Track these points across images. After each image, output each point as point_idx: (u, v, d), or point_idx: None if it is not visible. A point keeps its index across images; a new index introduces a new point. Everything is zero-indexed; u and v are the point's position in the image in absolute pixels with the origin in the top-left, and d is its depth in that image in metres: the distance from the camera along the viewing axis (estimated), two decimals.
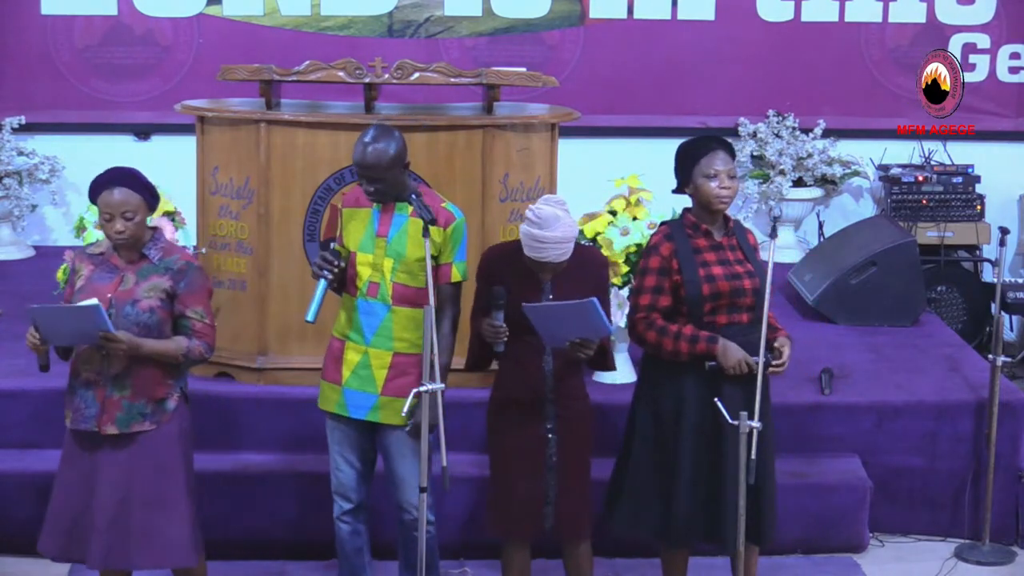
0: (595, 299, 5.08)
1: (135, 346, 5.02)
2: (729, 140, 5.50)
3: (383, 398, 5.35)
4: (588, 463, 5.49)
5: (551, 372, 5.33)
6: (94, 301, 4.95)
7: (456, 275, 5.40)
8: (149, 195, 5.13)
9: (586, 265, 5.38)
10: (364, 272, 5.33)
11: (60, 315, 5.02)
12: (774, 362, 5.30)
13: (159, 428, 5.14)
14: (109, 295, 5.09)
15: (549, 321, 5.14)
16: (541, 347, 5.29)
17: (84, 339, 5.03)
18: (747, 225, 5.86)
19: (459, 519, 6.06)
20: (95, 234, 6.93)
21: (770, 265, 5.20)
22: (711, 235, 5.37)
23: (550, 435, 5.36)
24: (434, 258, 5.30)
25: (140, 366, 5.09)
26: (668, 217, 6.80)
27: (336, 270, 5.28)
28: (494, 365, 5.49)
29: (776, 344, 5.33)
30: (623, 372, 6.60)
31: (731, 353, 5.25)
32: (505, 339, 5.20)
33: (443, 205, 5.40)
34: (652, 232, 5.70)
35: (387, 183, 5.26)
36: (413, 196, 5.26)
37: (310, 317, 5.30)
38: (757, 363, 5.22)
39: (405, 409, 5.12)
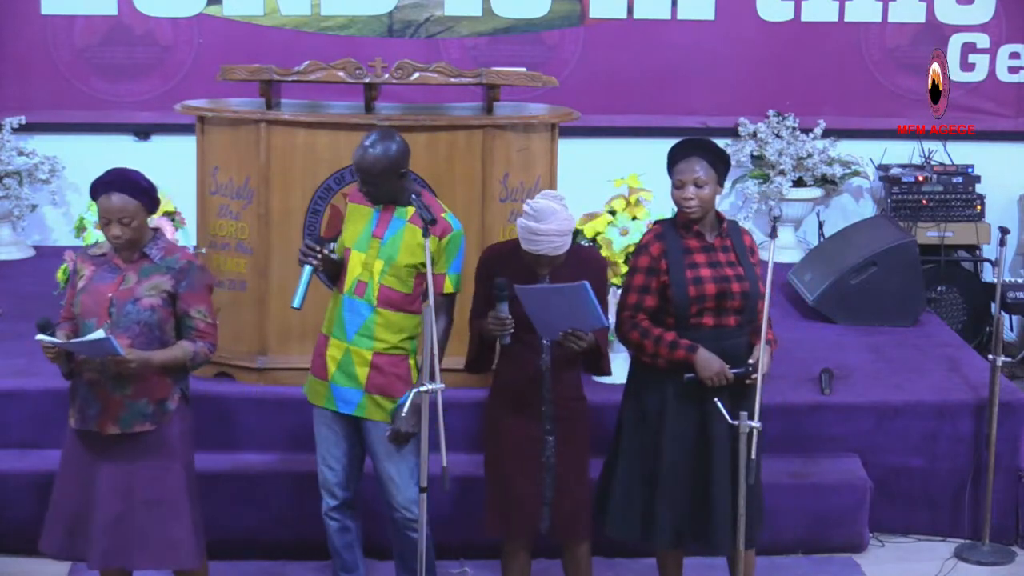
0: (587, 283, 5.06)
1: (144, 362, 5.02)
2: (723, 141, 5.47)
3: (367, 395, 5.38)
4: (586, 463, 5.49)
5: (548, 371, 5.32)
6: (100, 334, 4.90)
7: (449, 286, 5.40)
8: (148, 199, 5.11)
9: (585, 264, 5.37)
10: (354, 270, 5.34)
11: (71, 348, 5.00)
12: (752, 375, 5.26)
13: (160, 428, 5.14)
14: (110, 294, 5.09)
15: (542, 307, 5.12)
16: (539, 346, 5.29)
17: (96, 359, 5.04)
18: (747, 225, 5.81)
19: (459, 519, 6.05)
20: (95, 234, 6.93)
21: (770, 265, 5.19)
22: (703, 236, 5.36)
23: (548, 435, 5.36)
24: (416, 266, 5.33)
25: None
26: (668, 217, 6.83)
27: (320, 256, 5.27)
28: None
29: (753, 356, 5.29)
30: (621, 373, 6.60)
31: (710, 364, 5.25)
32: (511, 331, 5.19)
33: (443, 215, 5.40)
34: (646, 231, 5.69)
35: (380, 188, 5.29)
36: (414, 196, 5.26)
37: (296, 303, 5.32)
38: (736, 374, 5.24)
39: (405, 410, 5.14)
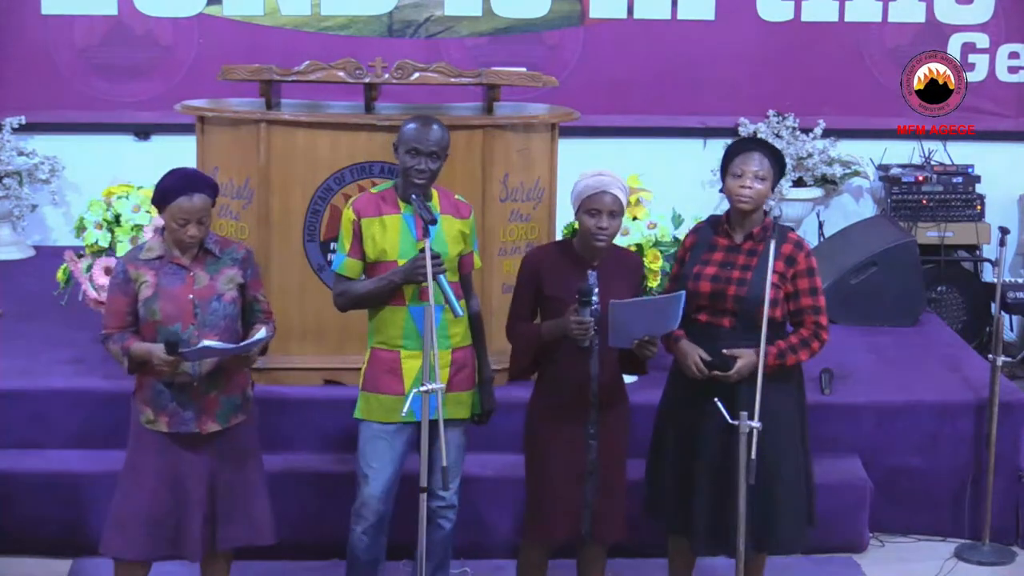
0: (684, 292, 5.19)
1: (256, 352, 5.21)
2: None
3: (448, 395, 5.29)
4: (625, 466, 5.48)
5: (597, 376, 5.31)
6: (263, 332, 5.10)
7: (478, 262, 5.54)
8: (215, 195, 5.19)
9: (627, 265, 5.43)
10: None
11: (239, 351, 5.10)
12: (716, 372, 5.27)
13: (248, 418, 5.27)
14: (190, 296, 5.11)
15: (630, 318, 5.15)
16: (588, 350, 5.27)
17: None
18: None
19: (458, 519, 6.04)
20: (95, 234, 6.93)
21: (770, 266, 5.19)
22: (732, 236, 5.38)
23: (591, 440, 5.34)
24: (460, 252, 5.40)
25: (228, 360, 5.14)
26: (668, 217, 6.85)
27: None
28: None
29: (731, 352, 5.29)
30: None
31: (685, 355, 5.31)
32: (591, 334, 5.20)
33: (457, 197, 5.47)
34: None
35: (440, 166, 5.32)
36: (413, 197, 5.26)
37: (461, 311, 5.28)
38: (707, 364, 5.26)
39: (404, 410, 5.14)
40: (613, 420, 5.37)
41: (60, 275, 7.15)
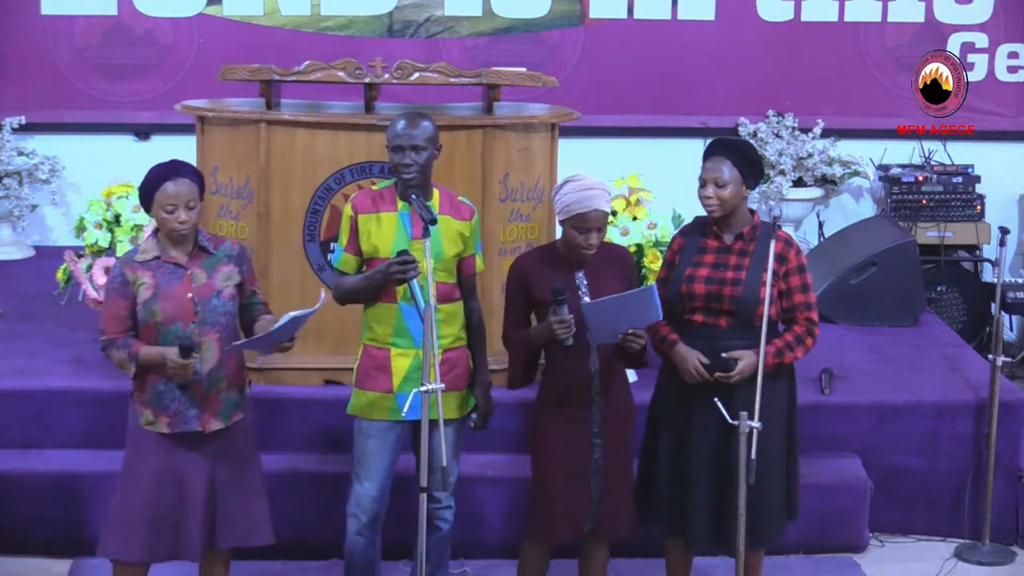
0: (653, 285, 5.19)
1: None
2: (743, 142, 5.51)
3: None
4: (631, 463, 5.48)
5: (597, 372, 5.32)
6: (322, 299, 5.10)
7: (480, 265, 5.51)
8: (203, 183, 5.18)
9: (614, 260, 5.42)
10: None
11: (275, 337, 5.11)
12: (718, 373, 5.27)
13: (246, 415, 5.26)
14: (189, 294, 5.09)
15: (607, 315, 5.15)
16: (587, 348, 5.27)
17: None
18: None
19: (458, 519, 6.05)
20: (95, 234, 6.94)
21: (770, 266, 5.19)
22: (721, 237, 5.38)
23: (596, 438, 5.34)
24: (459, 253, 5.38)
25: (228, 357, 5.15)
26: (668, 217, 6.85)
27: (418, 266, 5.23)
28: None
29: (731, 353, 5.28)
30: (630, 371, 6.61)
31: (684, 361, 5.30)
32: (573, 331, 5.19)
33: (460, 199, 5.46)
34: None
35: (428, 156, 5.29)
36: (412, 196, 5.26)
37: (423, 304, 5.22)
38: (708, 367, 5.25)
39: (405, 410, 5.12)
40: (616, 417, 5.37)
41: (60, 275, 7.16)
